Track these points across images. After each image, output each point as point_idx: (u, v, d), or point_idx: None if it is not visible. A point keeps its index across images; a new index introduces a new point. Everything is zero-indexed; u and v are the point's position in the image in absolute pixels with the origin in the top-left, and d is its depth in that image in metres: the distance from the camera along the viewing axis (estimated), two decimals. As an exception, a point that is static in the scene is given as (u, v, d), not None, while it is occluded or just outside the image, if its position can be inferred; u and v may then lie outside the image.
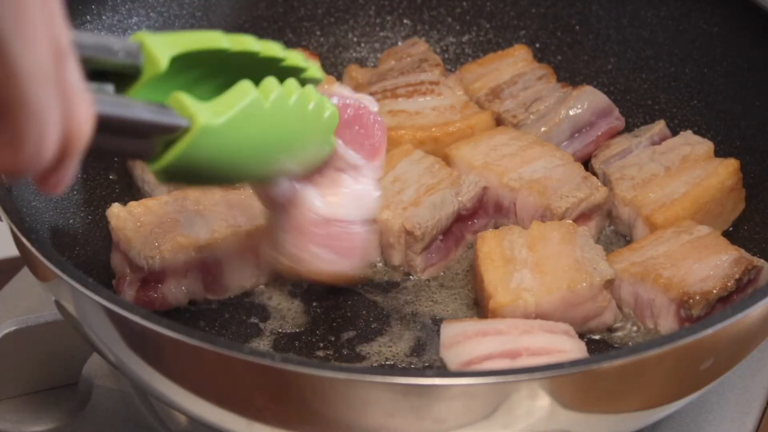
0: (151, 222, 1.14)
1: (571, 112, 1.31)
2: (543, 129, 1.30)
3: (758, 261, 1.13)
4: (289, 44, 1.44)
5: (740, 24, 1.29)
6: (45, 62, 0.64)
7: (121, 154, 0.86)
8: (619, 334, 1.13)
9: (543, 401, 0.87)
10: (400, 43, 1.45)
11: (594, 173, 1.26)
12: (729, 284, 1.10)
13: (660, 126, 1.30)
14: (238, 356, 0.86)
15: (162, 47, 0.85)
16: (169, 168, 0.85)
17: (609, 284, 1.11)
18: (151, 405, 1.13)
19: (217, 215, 1.15)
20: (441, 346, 1.04)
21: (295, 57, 0.95)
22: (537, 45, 1.44)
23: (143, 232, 1.13)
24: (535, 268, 1.11)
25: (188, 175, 0.89)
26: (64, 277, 0.93)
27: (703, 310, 1.09)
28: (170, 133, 0.84)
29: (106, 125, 0.76)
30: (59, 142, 0.68)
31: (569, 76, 1.41)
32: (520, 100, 1.34)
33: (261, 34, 1.43)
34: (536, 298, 1.09)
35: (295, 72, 0.95)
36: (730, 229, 1.23)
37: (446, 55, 1.47)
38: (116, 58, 0.82)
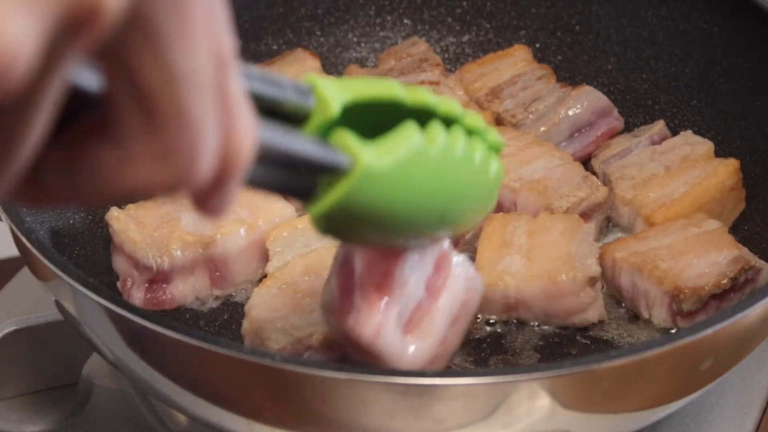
0: (153, 222, 1.14)
1: (570, 112, 1.31)
2: (542, 129, 1.30)
3: (758, 262, 1.13)
4: (289, 44, 1.44)
5: (740, 24, 1.29)
6: (206, 68, 0.58)
7: (281, 191, 0.76)
8: (616, 331, 1.13)
9: (543, 401, 0.87)
10: (400, 43, 1.45)
11: (594, 173, 1.26)
12: (723, 282, 1.10)
13: (660, 126, 1.30)
14: (238, 356, 0.86)
15: (335, 92, 0.79)
16: (329, 214, 0.78)
17: (593, 281, 1.10)
18: (151, 405, 1.13)
19: (218, 213, 1.15)
20: None
21: (474, 120, 0.88)
22: (537, 45, 1.44)
23: (147, 232, 1.13)
24: (526, 255, 1.12)
25: (348, 225, 0.81)
26: (64, 277, 0.93)
27: (694, 305, 1.09)
28: (331, 173, 0.77)
29: (268, 155, 0.70)
30: (217, 158, 0.61)
31: (569, 76, 1.41)
32: (520, 100, 1.34)
33: (261, 34, 1.43)
34: (517, 283, 1.09)
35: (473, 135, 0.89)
36: (730, 229, 1.23)
37: (446, 55, 1.47)
38: (284, 95, 0.75)
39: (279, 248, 1.13)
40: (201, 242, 1.13)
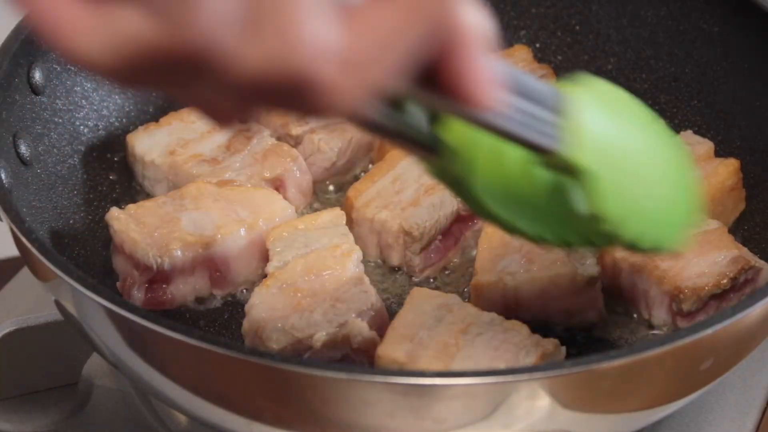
0: (153, 222, 1.14)
1: (571, 112, 1.31)
2: (543, 129, 1.29)
3: (758, 262, 1.13)
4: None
5: (740, 24, 1.28)
6: None
7: (531, 138, 0.74)
8: (615, 331, 1.13)
9: (543, 401, 0.87)
10: (400, 43, 1.45)
11: (594, 173, 1.26)
12: (723, 282, 1.10)
13: (660, 126, 1.30)
14: (238, 356, 0.86)
15: None
16: (587, 152, 0.77)
17: (593, 281, 1.10)
18: (151, 405, 1.13)
19: (219, 211, 1.15)
20: None
21: None
22: (537, 45, 1.44)
23: (147, 232, 1.13)
24: (526, 256, 1.12)
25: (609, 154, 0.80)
26: (64, 277, 0.93)
27: (693, 305, 1.09)
28: (562, 111, 0.76)
29: (515, 88, 0.71)
30: None
31: (569, 76, 1.41)
32: (520, 100, 1.34)
33: (261, 34, 1.43)
34: (516, 284, 1.09)
35: None
36: (730, 229, 1.23)
37: (446, 55, 1.46)
38: None
39: (279, 248, 1.13)
40: (201, 242, 1.13)
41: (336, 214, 1.17)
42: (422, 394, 0.85)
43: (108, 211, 1.16)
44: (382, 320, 1.08)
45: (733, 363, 0.99)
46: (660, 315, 1.12)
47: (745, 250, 1.14)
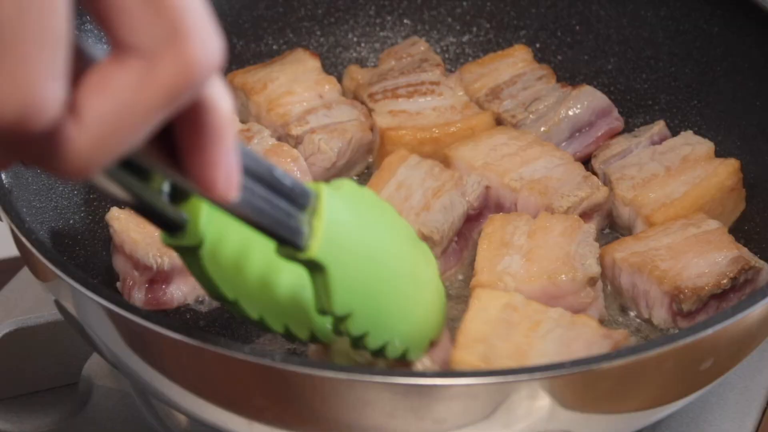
0: (152, 222, 1.14)
1: (570, 112, 1.31)
2: (542, 129, 1.30)
3: (758, 262, 1.13)
4: (289, 44, 1.44)
5: (740, 24, 1.29)
6: None
7: (274, 226, 0.77)
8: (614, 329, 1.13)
9: (543, 401, 0.87)
10: (400, 43, 1.45)
11: (594, 173, 1.26)
12: (723, 282, 1.10)
13: (660, 126, 1.30)
14: (238, 356, 0.86)
15: None
16: (325, 249, 0.80)
17: (593, 281, 1.10)
18: (151, 405, 1.13)
19: (218, 214, 1.15)
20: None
21: None
22: (537, 45, 1.44)
23: (147, 232, 1.13)
24: (526, 256, 1.11)
25: (340, 252, 0.83)
26: (64, 277, 0.93)
27: (694, 305, 1.09)
28: (307, 205, 0.79)
29: (254, 175, 0.73)
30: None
31: (569, 76, 1.41)
32: (520, 100, 1.34)
33: (261, 34, 1.43)
34: (517, 284, 1.09)
35: None
36: (730, 229, 1.23)
37: (446, 55, 1.47)
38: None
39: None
40: (201, 242, 1.13)
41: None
42: (422, 394, 0.85)
43: (108, 211, 1.16)
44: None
45: (733, 363, 0.99)
46: (660, 315, 1.12)
47: (745, 250, 1.14)
